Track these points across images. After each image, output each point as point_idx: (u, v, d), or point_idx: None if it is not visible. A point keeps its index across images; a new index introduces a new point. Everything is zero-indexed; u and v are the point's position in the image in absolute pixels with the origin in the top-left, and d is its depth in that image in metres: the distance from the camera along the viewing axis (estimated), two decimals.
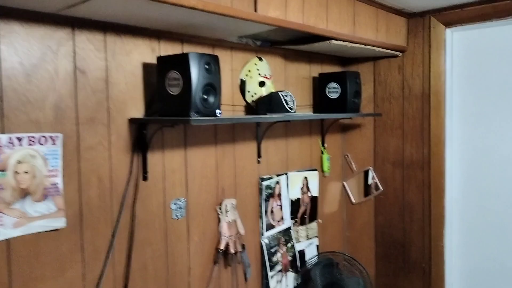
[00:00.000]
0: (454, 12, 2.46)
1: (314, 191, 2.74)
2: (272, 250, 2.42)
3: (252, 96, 2.22)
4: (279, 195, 2.48)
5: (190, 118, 1.56)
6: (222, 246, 2.11)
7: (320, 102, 2.59)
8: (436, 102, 2.57)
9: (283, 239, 2.50)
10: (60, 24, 1.55)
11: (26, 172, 1.47)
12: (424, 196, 2.66)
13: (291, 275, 2.55)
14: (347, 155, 3.00)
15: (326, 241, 2.88)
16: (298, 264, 2.60)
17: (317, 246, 2.77)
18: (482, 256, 2.55)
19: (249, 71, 2.22)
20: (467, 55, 2.54)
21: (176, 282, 1.97)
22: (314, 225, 2.75)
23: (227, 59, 2.16)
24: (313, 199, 2.74)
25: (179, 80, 1.62)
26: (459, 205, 2.63)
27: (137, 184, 1.80)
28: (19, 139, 1.45)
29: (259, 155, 2.36)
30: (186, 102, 1.59)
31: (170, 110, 1.67)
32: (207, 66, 1.63)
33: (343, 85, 2.46)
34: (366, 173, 2.91)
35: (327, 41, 2.15)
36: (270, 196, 2.41)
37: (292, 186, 2.57)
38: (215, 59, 1.68)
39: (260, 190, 2.36)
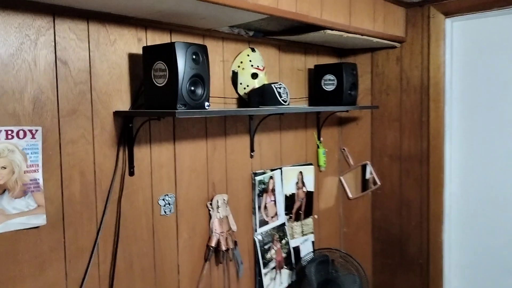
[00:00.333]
0: (454, 1, 2.39)
1: (310, 186, 2.67)
2: (266, 246, 2.36)
3: (245, 88, 2.14)
4: (273, 190, 2.41)
5: (176, 110, 1.50)
6: (213, 243, 2.05)
7: (315, 94, 2.52)
8: (435, 94, 2.49)
9: (277, 236, 2.44)
10: (40, 12, 1.47)
11: (4, 167, 1.41)
12: (422, 191, 2.60)
13: (285, 272, 2.50)
14: (344, 149, 2.93)
15: (322, 237, 2.82)
16: (293, 261, 2.54)
17: (313, 242, 2.71)
18: (482, 252, 2.49)
19: (241, 62, 2.14)
20: (467, 46, 2.46)
21: (165, 280, 1.91)
22: (309, 221, 2.68)
23: (218, 50, 2.08)
24: (309, 194, 2.67)
25: (165, 71, 1.56)
26: (458, 200, 2.56)
27: (123, 180, 1.73)
28: None
29: (252, 149, 2.29)
30: (173, 94, 1.53)
31: (156, 103, 1.61)
32: (194, 56, 1.57)
33: (340, 77, 2.40)
34: (363, 168, 2.84)
35: (322, 31, 2.07)
36: (263, 191, 2.34)
37: (286, 181, 2.50)
38: (203, 49, 1.62)
39: (253, 185, 2.29)
